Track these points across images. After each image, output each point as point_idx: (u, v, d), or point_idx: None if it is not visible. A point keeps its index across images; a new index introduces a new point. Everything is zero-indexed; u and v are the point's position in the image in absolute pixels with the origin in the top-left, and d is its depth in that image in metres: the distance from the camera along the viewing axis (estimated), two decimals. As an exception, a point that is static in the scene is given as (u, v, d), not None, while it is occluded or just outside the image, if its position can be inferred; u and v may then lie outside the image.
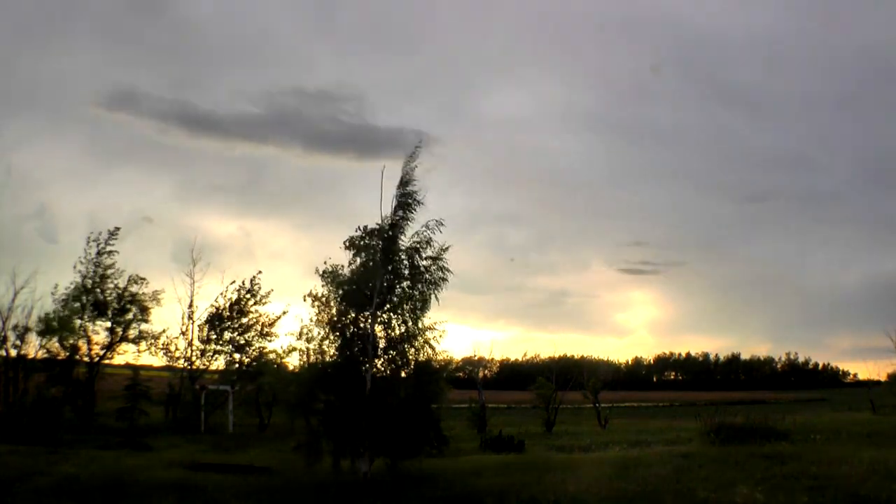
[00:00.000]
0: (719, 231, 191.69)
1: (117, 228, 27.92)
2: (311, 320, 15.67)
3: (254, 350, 28.06)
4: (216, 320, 27.69)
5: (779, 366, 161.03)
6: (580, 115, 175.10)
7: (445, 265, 15.64)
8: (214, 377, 29.08)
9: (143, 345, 27.97)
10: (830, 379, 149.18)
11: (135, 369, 29.91)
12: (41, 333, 26.57)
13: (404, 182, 15.71)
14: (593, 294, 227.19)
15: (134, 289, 27.82)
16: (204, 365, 28.00)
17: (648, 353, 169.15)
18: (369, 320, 15.25)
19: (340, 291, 15.55)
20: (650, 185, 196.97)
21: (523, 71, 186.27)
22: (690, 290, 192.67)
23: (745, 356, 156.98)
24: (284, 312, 27.58)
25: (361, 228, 15.57)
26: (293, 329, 16.72)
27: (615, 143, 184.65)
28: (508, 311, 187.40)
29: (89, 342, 27.36)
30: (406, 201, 15.66)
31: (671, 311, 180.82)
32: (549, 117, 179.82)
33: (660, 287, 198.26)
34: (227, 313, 27.81)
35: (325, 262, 15.81)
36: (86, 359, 27.41)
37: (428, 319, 15.68)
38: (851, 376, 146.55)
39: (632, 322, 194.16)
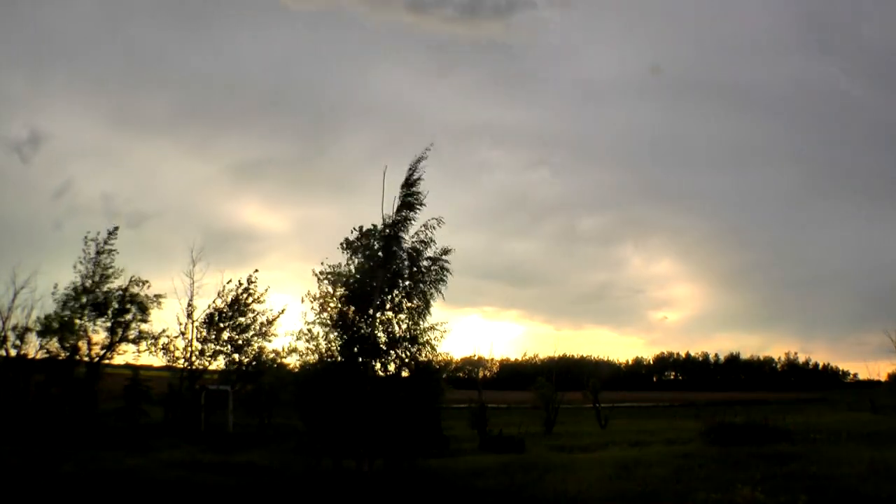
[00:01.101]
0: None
1: (116, 228, 27.92)
2: (312, 320, 15.68)
3: (253, 350, 28.00)
4: (215, 319, 27.65)
5: (779, 366, 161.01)
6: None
7: (446, 266, 15.66)
8: (214, 377, 29.04)
9: (144, 345, 27.90)
10: (830, 379, 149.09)
11: (135, 369, 29.87)
12: (41, 333, 26.53)
13: (409, 182, 15.71)
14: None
15: (134, 289, 27.77)
16: (203, 365, 27.93)
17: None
18: (370, 320, 15.25)
19: (340, 291, 15.55)
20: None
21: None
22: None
23: (744, 356, 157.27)
24: (282, 311, 27.56)
25: (358, 229, 15.59)
26: (293, 328, 16.69)
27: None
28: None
29: (89, 342, 27.31)
30: (410, 201, 15.67)
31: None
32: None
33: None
34: (227, 312, 27.76)
35: (322, 262, 15.81)
36: (86, 359, 27.37)
37: (429, 320, 15.72)
38: (851, 376, 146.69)
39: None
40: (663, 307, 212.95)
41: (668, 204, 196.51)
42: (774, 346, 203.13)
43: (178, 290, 27.87)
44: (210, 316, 27.56)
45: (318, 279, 15.70)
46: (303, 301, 15.83)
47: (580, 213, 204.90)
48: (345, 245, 15.59)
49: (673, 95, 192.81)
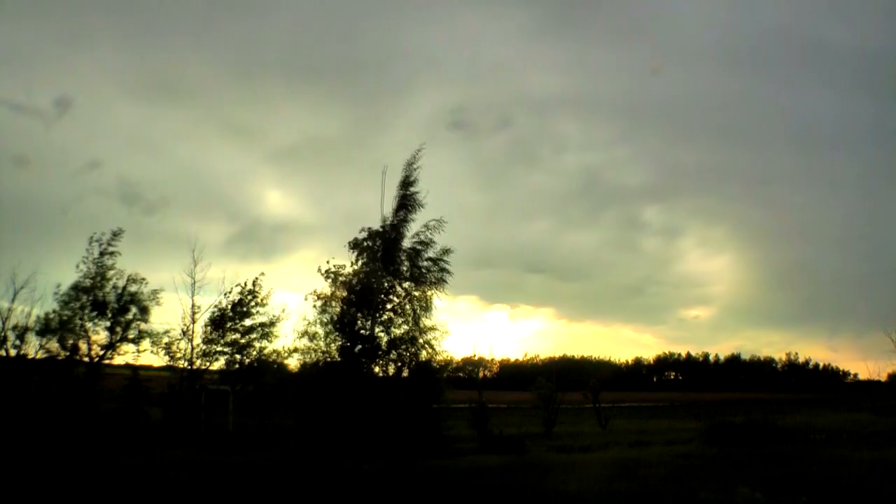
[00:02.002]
0: None
1: (120, 229, 27.98)
2: (314, 320, 15.71)
3: (254, 350, 28.02)
4: (218, 321, 27.67)
5: (779, 366, 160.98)
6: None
7: (446, 267, 15.68)
8: (215, 377, 29.04)
9: (144, 345, 27.91)
10: (830, 379, 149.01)
11: (135, 369, 29.86)
12: (41, 333, 26.54)
13: (406, 183, 15.73)
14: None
15: (133, 288, 27.79)
16: (204, 365, 27.95)
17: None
18: (370, 321, 15.26)
19: (342, 292, 15.57)
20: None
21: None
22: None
23: (745, 356, 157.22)
24: (283, 311, 27.58)
25: (366, 229, 15.61)
26: (295, 327, 16.72)
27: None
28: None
29: (89, 342, 27.32)
30: (407, 202, 15.69)
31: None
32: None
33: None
34: (230, 314, 27.78)
35: (327, 262, 15.85)
36: (86, 359, 27.37)
37: (430, 320, 15.73)
38: (851, 376, 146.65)
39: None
40: (700, 305, 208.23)
41: (744, 189, 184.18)
42: (798, 344, 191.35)
43: (180, 290, 27.88)
44: (213, 318, 27.59)
45: (324, 278, 15.75)
46: (306, 299, 15.87)
47: (649, 200, 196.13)
48: (352, 245, 15.63)
49: (792, 66, 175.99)
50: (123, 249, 27.78)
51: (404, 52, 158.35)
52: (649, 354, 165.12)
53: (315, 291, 15.83)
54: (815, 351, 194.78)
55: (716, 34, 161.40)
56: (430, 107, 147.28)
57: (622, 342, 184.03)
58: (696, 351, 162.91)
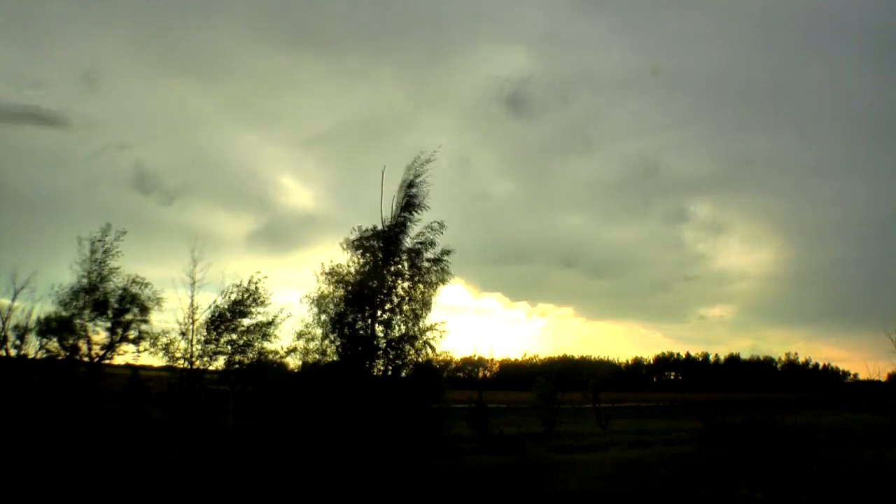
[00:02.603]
0: None
1: (124, 231, 28.01)
2: (313, 320, 15.70)
3: (254, 350, 28.01)
4: (217, 321, 27.66)
5: (779, 366, 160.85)
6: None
7: (446, 267, 15.67)
8: (214, 377, 29.03)
9: (144, 345, 27.91)
10: (830, 379, 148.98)
11: (135, 369, 29.86)
12: (41, 333, 26.53)
13: (409, 183, 15.72)
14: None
15: (134, 289, 27.79)
16: (204, 365, 27.94)
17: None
18: (370, 320, 15.25)
19: (341, 292, 15.56)
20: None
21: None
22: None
23: (745, 356, 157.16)
24: (282, 310, 27.55)
25: (360, 229, 15.59)
26: (294, 327, 16.71)
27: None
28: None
29: (89, 342, 27.32)
30: (410, 202, 15.69)
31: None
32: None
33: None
34: (229, 314, 27.77)
35: (328, 262, 15.84)
36: (86, 359, 27.37)
37: (429, 320, 15.73)
38: (851, 376, 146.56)
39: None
40: (721, 303, 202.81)
41: (795, 181, 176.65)
42: (817, 342, 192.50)
43: (179, 290, 27.88)
44: (212, 317, 27.59)
45: (323, 277, 15.73)
46: (301, 302, 15.87)
47: (697, 191, 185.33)
48: (352, 244, 15.61)
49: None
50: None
51: (459, 15, 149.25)
52: (655, 354, 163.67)
53: (318, 289, 15.77)
54: (830, 351, 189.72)
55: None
56: (482, 80, 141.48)
57: (633, 340, 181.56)
58: (706, 351, 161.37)
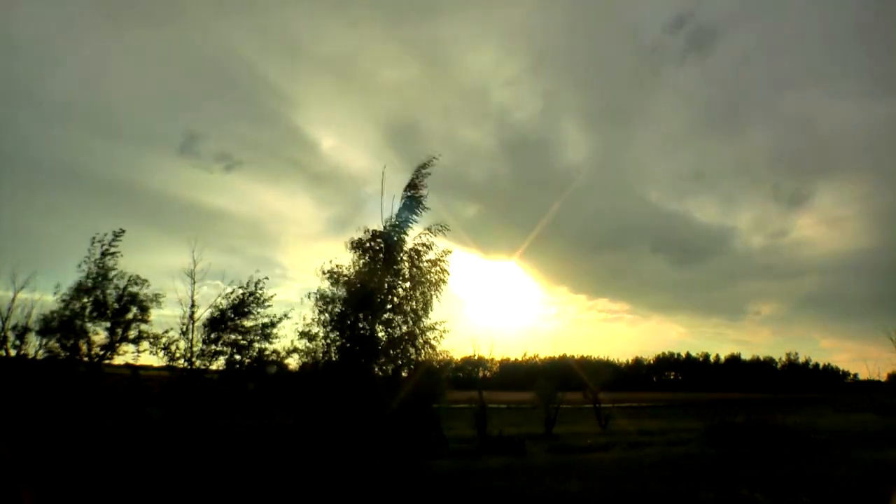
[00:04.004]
0: None
1: (122, 230, 28.03)
2: (314, 320, 15.70)
3: (254, 351, 28.05)
4: (218, 321, 27.69)
5: (779, 366, 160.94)
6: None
7: (446, 268, 15.68)
8: (214, 377, 29.05)
9: (144, 345, 27.95)
10: (831, 379, 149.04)
11: (135, 369, 29.86)
12: (41, 333, 26.58)
13: (413, 185, 15.73)
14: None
15: (134, 289, 27.83)
16: (204, 365, 27.97)
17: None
18: (371, 320, 15.25)
19: (343, 292, 15.57)
20: None
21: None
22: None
23: (745, 356, 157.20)
24: (286, 315, 27.60)
25: (366, 230, 15.61)
26: (297, 327, 16.72)
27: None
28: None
29: (89, 342, 27.36)
30: (412, 204, 15.70)
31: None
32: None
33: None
34: (230, 314, 27.81)
35: (329, 262, 15.84)
36: (86, 359, 27.41)
37: (430, 319, 15.73)
38: (851, 376, 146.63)
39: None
40: (768, 299, 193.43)
41: None
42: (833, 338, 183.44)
43: (180, 289, 27.90)
44: (213, 318, 27.63)
45: (325, 277, 15.73)
46: (302, 301, 15.87)
47: (832, 168, 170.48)
48: (354, 244, 15.61)
49: None
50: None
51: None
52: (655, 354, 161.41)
53: (319, 289, 15.78)
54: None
55: None
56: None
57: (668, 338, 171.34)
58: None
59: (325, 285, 15.83)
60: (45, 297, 26.79)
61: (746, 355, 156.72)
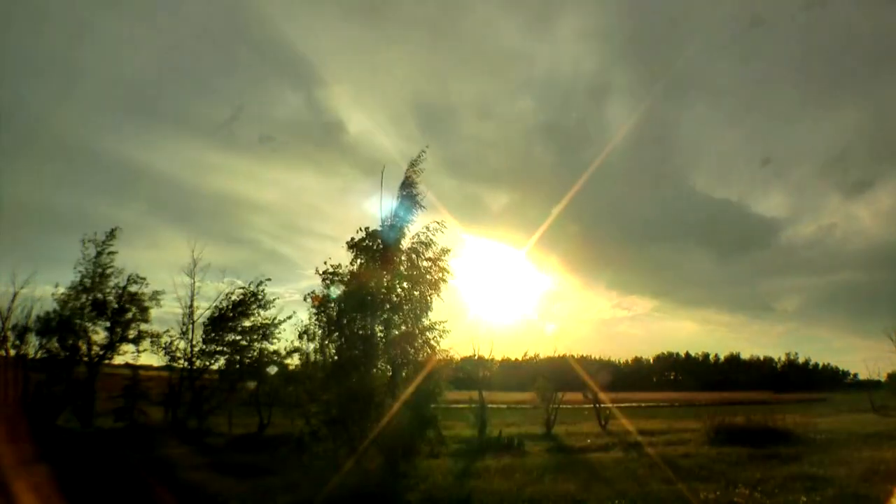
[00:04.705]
0: None
1: (115, 229, 28.03)
2: (312, 320, 15.69)
3: (254, 351, 28.07)
4: (218, 321, 27.70)
5: (779, 366, 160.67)
6: None
7: (445, 267, 15.67)
8: (214, 377, 29.05)
9: (144, 345, 27.95)
10: (830, 379, 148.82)
11: (134, 369, 29.88)
12: (41, 333, 26.56)
13: (407, 183, 15.71)
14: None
15: (133, 288, 27.83)
16: (204, 365, 27.98)
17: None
18: (369, 320, 15.24)
19: (341, 292, 15.55)
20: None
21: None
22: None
23: (745, 356, 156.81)
24: (289, 318, 27.70)
25: (365, 230, 15.59)
26: (295, 328, 16.74)
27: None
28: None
29: (89, 342, 27.34)
30: (408, 203, 15.68)
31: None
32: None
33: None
34: (230, 314, 27.83)
35: (325, 262, 15.84)
36: (86, 359, 27.39)
37: (429, 319, 15.72)
38: (851, 376, 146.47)
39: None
40: (796, 294, 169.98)
41: None
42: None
43: (180, 288, 27.94)
44: (213, 318, 27.63)
45: (323, 278, 15.72)
46: (305, 299, 15.87)
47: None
48: (352, 244, 15.60)
49: None
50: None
51: None
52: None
53: (313, 293, 15.79)
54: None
55: None
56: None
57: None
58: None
59: (324, 285, 15.83)
60: (46, 291, 26.90)
61: (745, 355, 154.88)
